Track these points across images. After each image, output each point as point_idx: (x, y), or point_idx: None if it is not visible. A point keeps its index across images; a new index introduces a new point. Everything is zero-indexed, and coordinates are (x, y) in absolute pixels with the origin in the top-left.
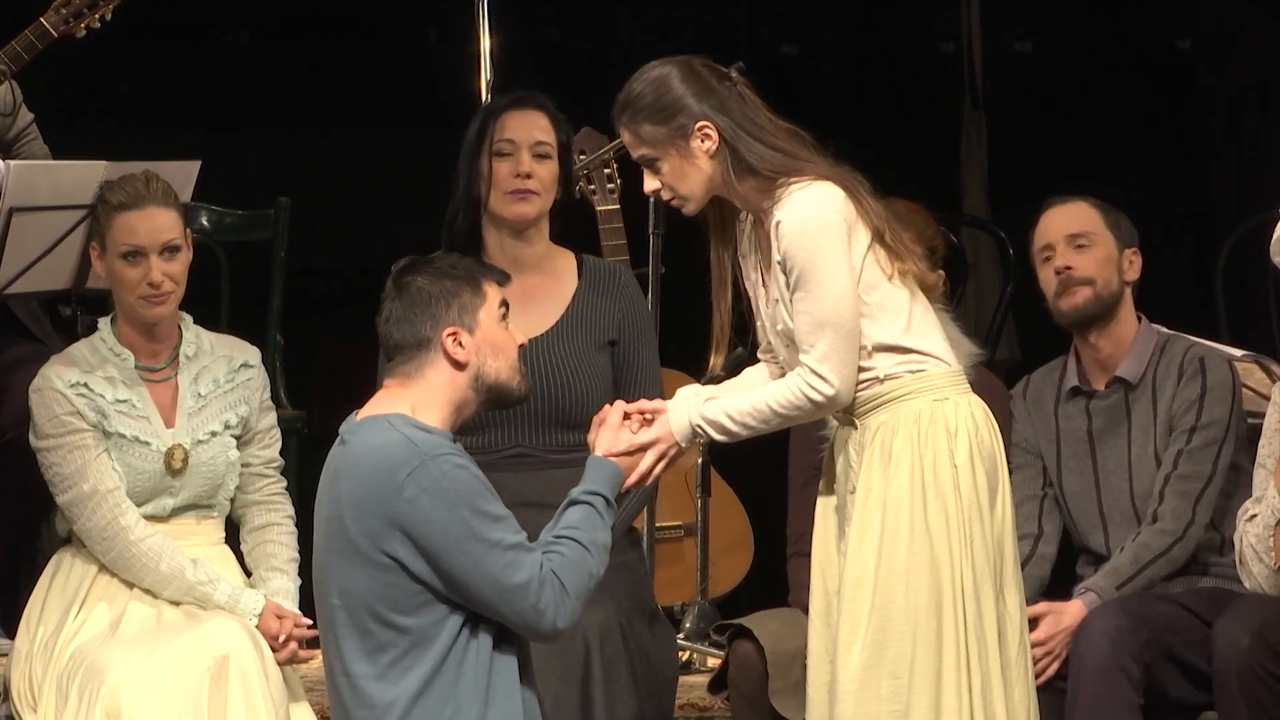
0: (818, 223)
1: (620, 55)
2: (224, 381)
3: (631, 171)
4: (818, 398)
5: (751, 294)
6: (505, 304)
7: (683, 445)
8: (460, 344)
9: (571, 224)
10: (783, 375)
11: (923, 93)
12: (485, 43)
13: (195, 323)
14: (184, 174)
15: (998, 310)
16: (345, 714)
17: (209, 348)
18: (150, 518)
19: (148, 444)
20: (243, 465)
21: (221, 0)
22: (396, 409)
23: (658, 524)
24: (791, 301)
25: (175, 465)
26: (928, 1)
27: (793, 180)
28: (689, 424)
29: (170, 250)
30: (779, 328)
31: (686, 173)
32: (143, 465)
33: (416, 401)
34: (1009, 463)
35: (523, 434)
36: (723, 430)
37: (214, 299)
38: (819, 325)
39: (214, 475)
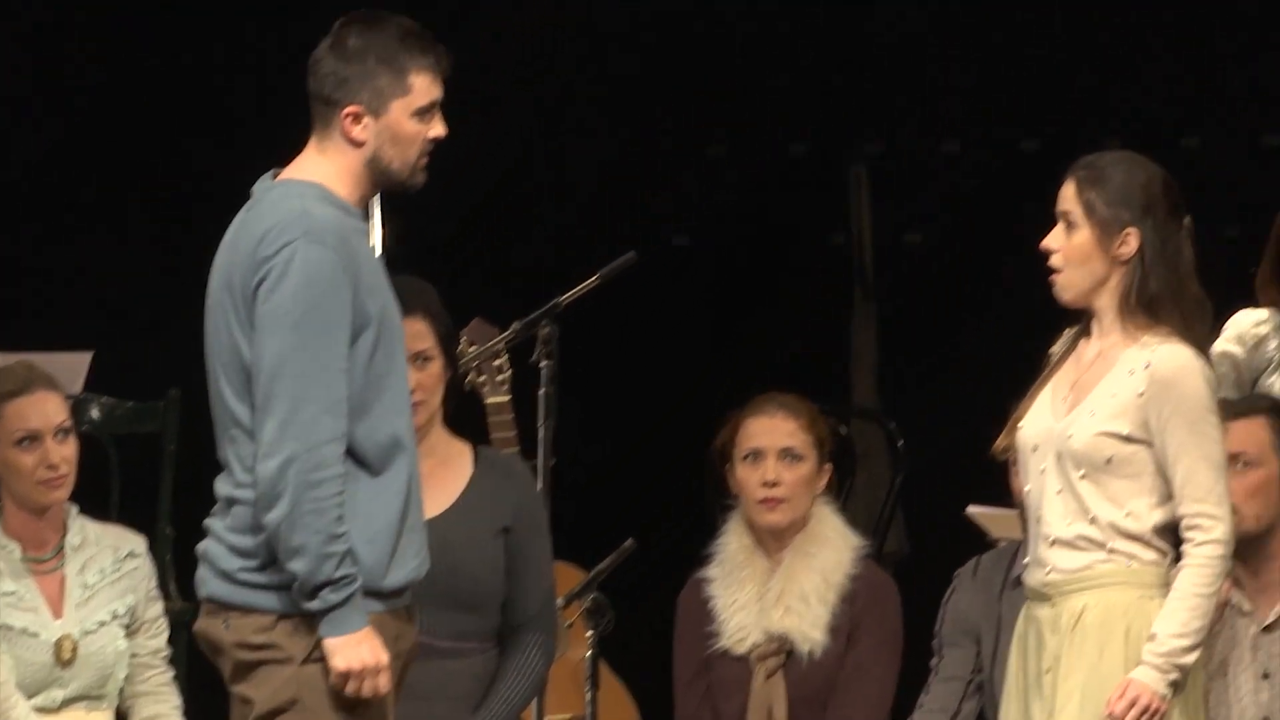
0: (1211, 378)
1: (512, 251)
2: (110, 571)
3: (521, 363)
4: (1223, 544)
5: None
6: (436, 104)
7: (1164, 693)
8: (360, 124)
9: (462, 417)
10: None
11: (813, 283)
12: (378, 234)
13: (82, 514)
14: (75, 365)
15: (886, 502)
16: (240, 461)
17: (94, 537)
18: (40, 709)
19: (36, 635)
20: (130, 655)
21: (114, 190)
22: (312, 177)
23: (546, 717)
24: (1167, 447)
25: (65, 656)
26: (818, 193)
27: (1174, 336)
28: (1152, 675)
29: (63, 432)
30: (1068, 438)
31: (1089, 258)
32: (32, 657)
33: (330, 172)
34: (941, 640)
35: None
36: (1183, 652)
37: (104, 491)
38: (1215, 467)
39: (103, 665)
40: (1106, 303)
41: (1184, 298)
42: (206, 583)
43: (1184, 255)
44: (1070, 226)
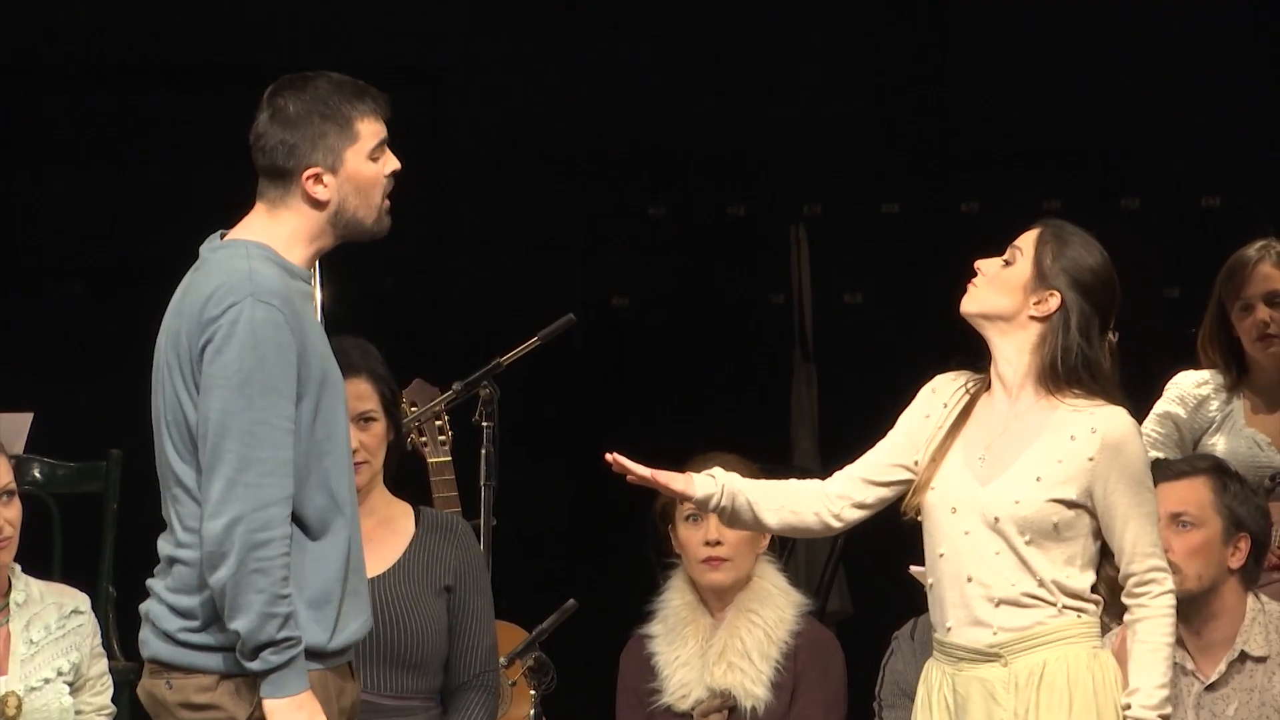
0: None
1: (451, 308)
2: (55, 628)
3: (463, 424)
4: (1174, 594)
5: (929, 454)
6: (384, 141)
7: None
8: (322, 183)
9: (403, 477)
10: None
11: (753, 343)
12: (318, 294)
13: (24, 572)
14: (16, 426)
15: (828, 562)
16: (181, 521)
17: (38, 595)
18: None
19: None
20: (75, 712)
21: (52, 251)
22: (259, 238)
23: None
24: (1114, 508)
25: (9, 712)
26: (758, 253)
27: (1098, 397)
28: None
29: (7, 495)
30: (1015, 504)
31: (1008, 292)
32: None
33: (280, 234)
34: (881, 702)
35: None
36: (1165, 702)
37: (46, 551)
38: (1155, 523)
39: None
40: (1015, 357)
41: (1105, 386)
42: (148, 643)
43: (1105, 354)
44: (1010, 262)
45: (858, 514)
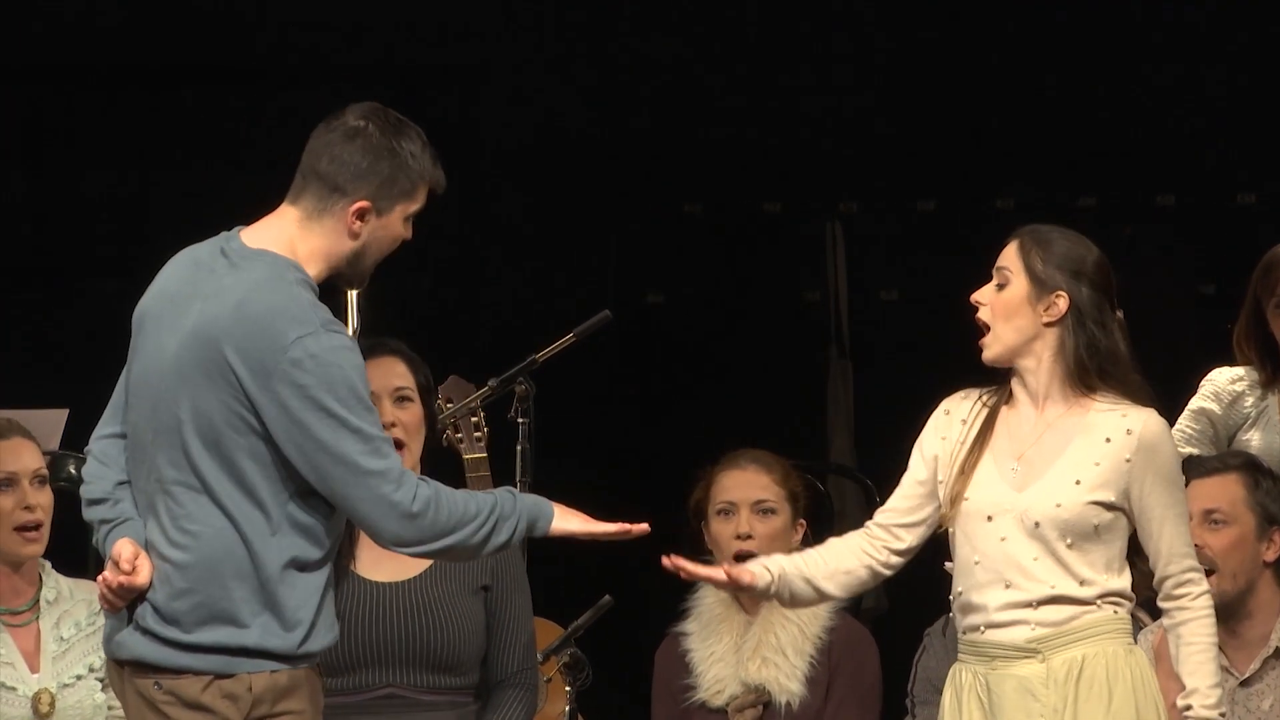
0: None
1: (487, 307)
2: (85, 625)
3: (498, 420)
4: (1210, 594)
5: (957, 467)
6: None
7: None
8: (363, 220)
9: (439, 473)
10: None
11: (789, 340)
12: (352, 292)
13: (57, 569)
14: (51, 422)
15: None
16: (172, 521)
17: (68, 592)
18: None
19: (14, 689)
20: (108, 708)
21: (87, 248)
22: (291, 254)
23: None
24: (1150, 509)
25: (43, 710)
26: (793, 250)
27: (1126, 399)
28: None
29: (40, 480)
30: (1056, 508)
31: (1016, 313)
32: (10, 712)
33: (305, 251)
34: (913, 699)
35: (395, 675)
36: (1222, 700)
37: (80, 548)
38: (1187, 523)
39: (82, 719)
40: (1037, 367)
41: (1129, 380)
42: (132, 644)
43: (1119, 338)
44: (1003, 284)
45: (901, 559)
